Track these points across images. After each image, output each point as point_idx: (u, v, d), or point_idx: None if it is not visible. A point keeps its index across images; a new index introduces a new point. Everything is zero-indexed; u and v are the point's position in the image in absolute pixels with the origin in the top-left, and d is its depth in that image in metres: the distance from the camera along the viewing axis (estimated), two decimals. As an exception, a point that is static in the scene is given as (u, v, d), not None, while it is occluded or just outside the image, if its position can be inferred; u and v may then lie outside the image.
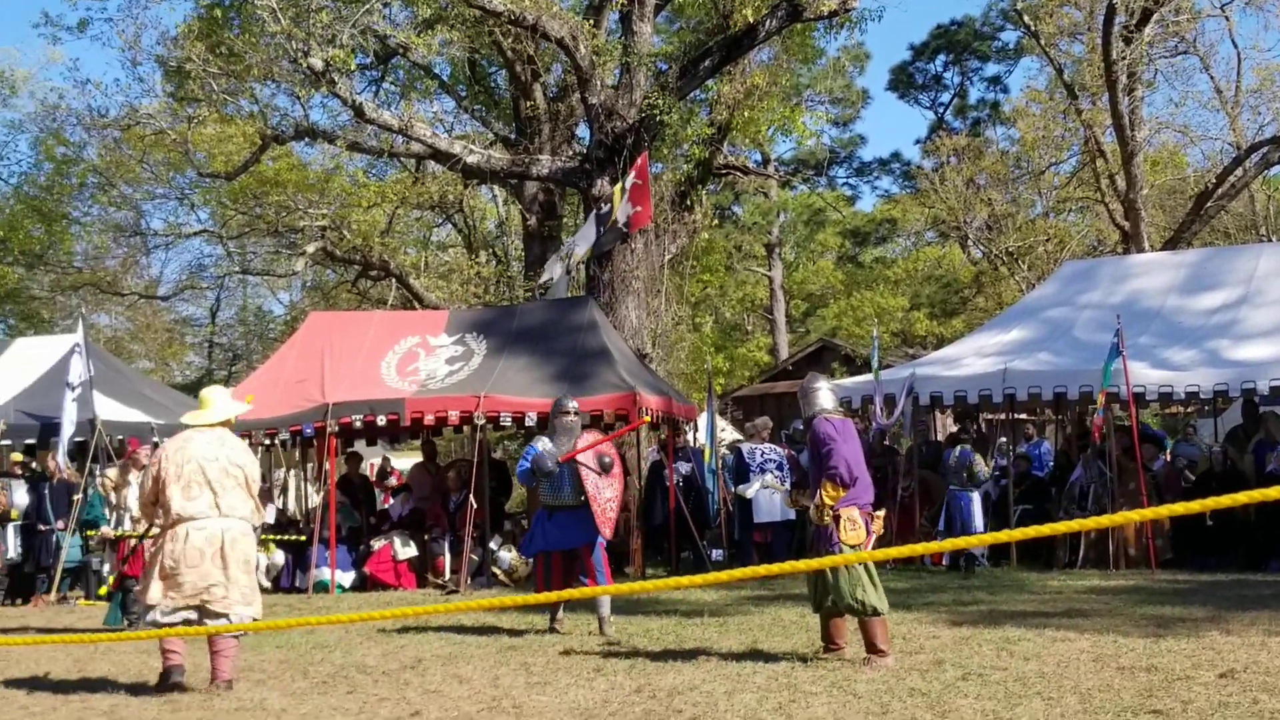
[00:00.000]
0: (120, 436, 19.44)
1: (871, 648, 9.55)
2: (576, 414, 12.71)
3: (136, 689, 9.70)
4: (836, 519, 9.59)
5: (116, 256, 42.12)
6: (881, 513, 9.99)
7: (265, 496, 19.01)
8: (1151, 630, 10.76)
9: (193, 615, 9.24)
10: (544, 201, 28.86)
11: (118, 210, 40.30)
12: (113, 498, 14.65)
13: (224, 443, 9.73)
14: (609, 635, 11.74)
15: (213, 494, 9.44)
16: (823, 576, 9.64)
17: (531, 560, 17.85)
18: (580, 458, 12.04)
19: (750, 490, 18.02)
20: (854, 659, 9.59)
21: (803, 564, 6.14)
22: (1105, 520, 5.21)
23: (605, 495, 12.12)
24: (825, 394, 10.17)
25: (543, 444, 12.24)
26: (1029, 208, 43.69)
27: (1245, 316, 18.49)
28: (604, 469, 12.13)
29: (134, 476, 13.77)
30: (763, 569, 5.67)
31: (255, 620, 9.41)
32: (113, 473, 14.62)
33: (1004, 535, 5.36)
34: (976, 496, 17.24)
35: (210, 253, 42.31)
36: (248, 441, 17.97)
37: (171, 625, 9.08)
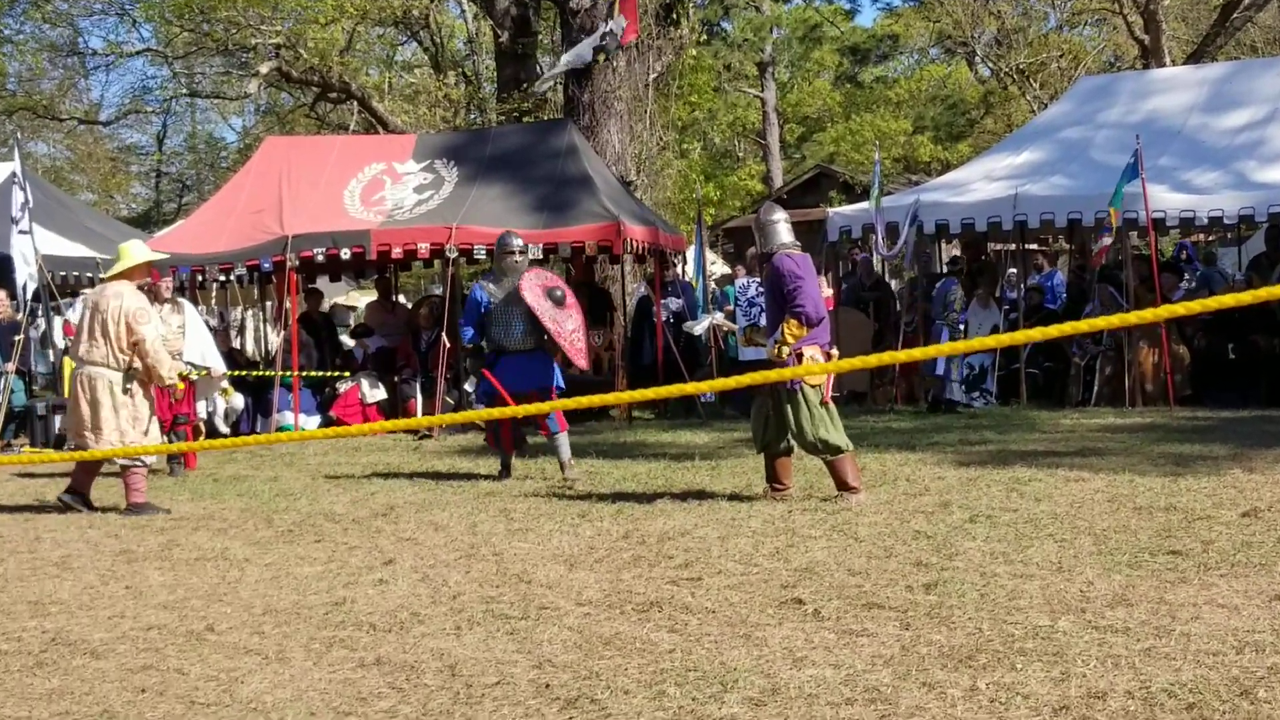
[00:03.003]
0: (62, 273, 19.33)
1: (843, 485, 9.82)
2: (523, 253, 12.59)
3: (92, 540, 9.76)
4: (798, 357, 9.74)
5: (53, 78, 41.56)
6: (835, 352, 10.23)
7: (221, 338, 18.95)
8: (1170, 469, 10.83)
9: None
10: (517, 16, 28.32)
11: (53, 28, 39.62)
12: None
13: (120, 296, 11.11)
14: (571, 478, 11.86)
15: (90, 343, 11.09)
16: (780, 417, 9.85)
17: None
18: (529, 297, 11.92)
19: (698, 328, 18.05)
20: (826, 500, 9.66)
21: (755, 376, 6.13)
22: (1102, 322, 5.20)
23: (569, 328, 12.10)
24: (784, 228, 10.27)
25: (487, 289, 12.22)
26: (1041, 21, 43.24)
27: (1273, 136, 18.32)
28: (557, 302, 12.06)
29: (156, 310, 13.87)
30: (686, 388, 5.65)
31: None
32: None
33: (1006, 338, 5.35)
34: (946, 333, 17.33)
35: (155, 74, 42.01)
36: (201, 279, 18.04)
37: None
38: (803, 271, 9.90)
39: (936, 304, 17.38)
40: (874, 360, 6.67)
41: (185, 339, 13.93)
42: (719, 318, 15.27)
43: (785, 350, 9.74)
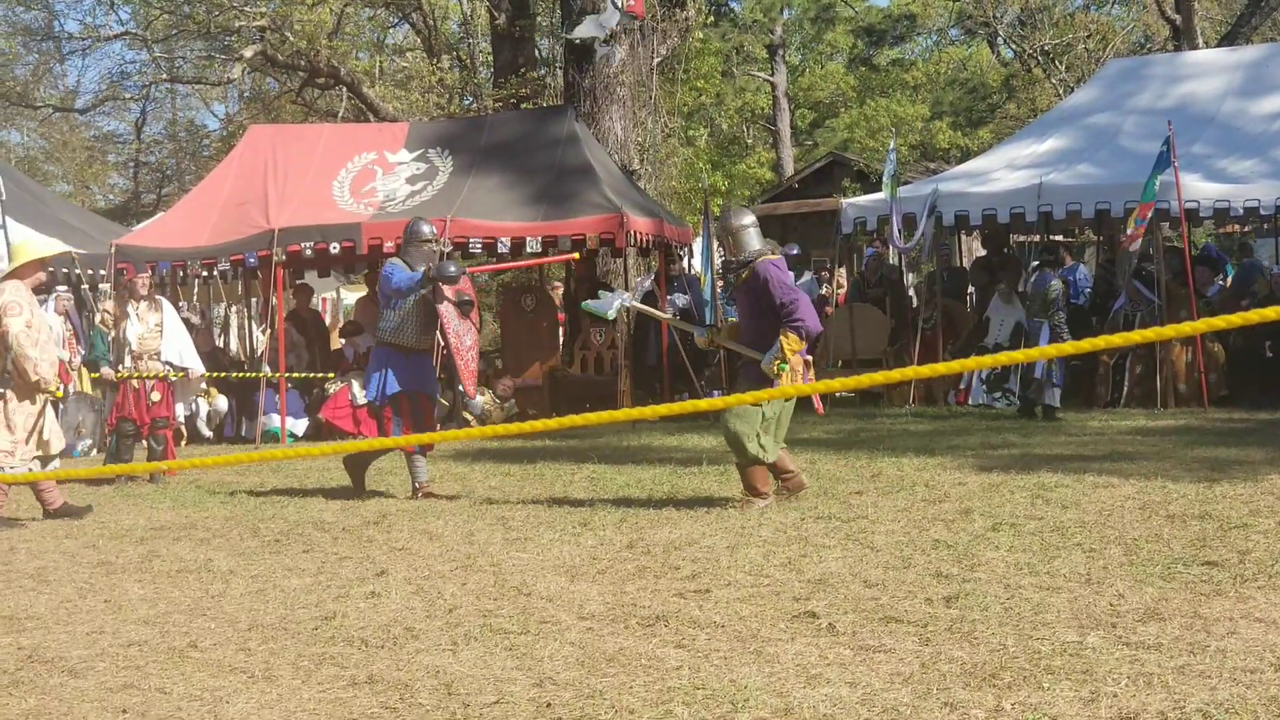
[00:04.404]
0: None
1: (751, 489, 10.23)
2: (436, 240, 12.53)
3: (69, 551, 9.77)
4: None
5: (27, 64, 41.44)
6: (810, 358, 10.45)
7: (204, 336, 18.97)
8: (1204, 474, 10.82)
9: None
10: (514, -4, 28.37)
11: (27, 10, 39.54)
12: (113, 333, 14.64)
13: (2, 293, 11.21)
14: (422, 493, 11.66)
15: None
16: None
17: (498, 403, 17.93)
18: (441, 306, 11.69)
19: (610, 311, 17.97)
20: (854, 505, 9.66)
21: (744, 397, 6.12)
22: (1136, 336, 5.20)
23: (466, 343, 11.90)
24: (756, 232, 10.43)
25: (403, 270, 11.84)
26: (1067, 0, 43.19)
27: (1312, 122, 18.36)
28: (464, 311, 11.91)
29: (133, 307, 13.94)
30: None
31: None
32: (110, 305, 14.64)
33: (1035, 353, 5.34)
34: (1046, 330, 16.81)
35: (133, 58, 41.75)
36: (182, 274, 18.05)
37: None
38: (790, 280, 10.17)
39: (1034, 301, 16.84)
40: (957, 366, 6.58)
41: (163, 338, 13.96)
42: (626, 299, 14.50)
43: (785, 368, 9.87)
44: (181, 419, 15.05)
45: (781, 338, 9.88)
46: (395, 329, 11.84)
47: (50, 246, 12.59)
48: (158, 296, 14.49)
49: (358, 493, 11.98)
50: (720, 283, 19.04)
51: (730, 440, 10.15)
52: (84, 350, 18.07)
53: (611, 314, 12.68)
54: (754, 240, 10.34)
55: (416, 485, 11.77)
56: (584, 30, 21.17)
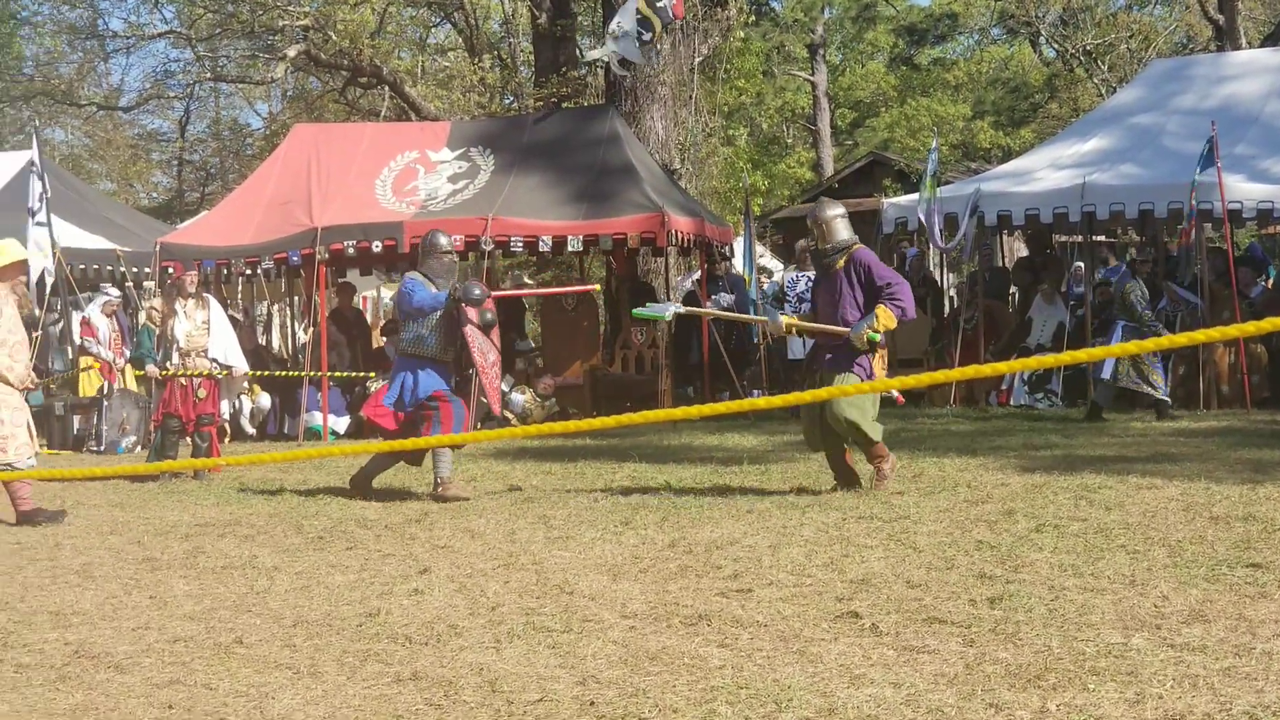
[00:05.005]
0: (81, 265, 19.46)
1: (878, 465, 10.59)
2: (454, 251, 12.47)
3: (114, 547, 9.83)
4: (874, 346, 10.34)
5: (72, 62, 41.75)
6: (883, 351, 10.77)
7: (247, 334, 19.06)
8: (1248, 476, 10.76)
9: None
10: (556, -4, 28.43)
11: (71, 8, 39.86)
12: (158, 330, 14.71)
13: None
14: (451, 495, 11.40)
15: None
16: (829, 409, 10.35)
17: (539, 401, 17.93)
18: (468, 330, 11.62)
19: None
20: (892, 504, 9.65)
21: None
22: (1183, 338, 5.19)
23: (490, 359, 11.80)
24: (845, 223, 10.72)
25: (428, 286, 11.70)
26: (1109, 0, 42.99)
27: (1357, 122, 18.25)
28: (487, 327, 11.84)
29: (180, 305, 14.00)
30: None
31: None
32: (158, 303, 14.71)
33: (1083, 354, 5.32)
34: (1120, 331, 16.35)
35: (177, 57, 42.01)
36: (225, 272, 18.14)
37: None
38: None
39: (1118, 306, 16.56)
40: (1019, 365, 6.55)
41: (210, 335, 14.02)
42: (678, 308, 14.18)
43: (877, 338, 10.21)
44: (226, 416, 15.10)
45: (878, 309, 10.20)
46: (416, 340, 11.74)
47: (24, 250, 12.31)
48: (205, 294, 14.56)
49: (363, 493, 11.80)
50: (775, 279, 18.94)
51: (847, 431, 10.37)
52: (129, 351, 18.21)
53: (669, 316, 12.73)
54: (843, 230, 10.62)
55: (438, 481, 11.56)
56: (599, 53, 21.15)
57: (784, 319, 11.18)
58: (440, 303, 11.49)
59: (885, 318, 10.20)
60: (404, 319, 11.94)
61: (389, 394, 11.95)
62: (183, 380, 13.91)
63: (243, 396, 17.27)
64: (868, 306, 10.34)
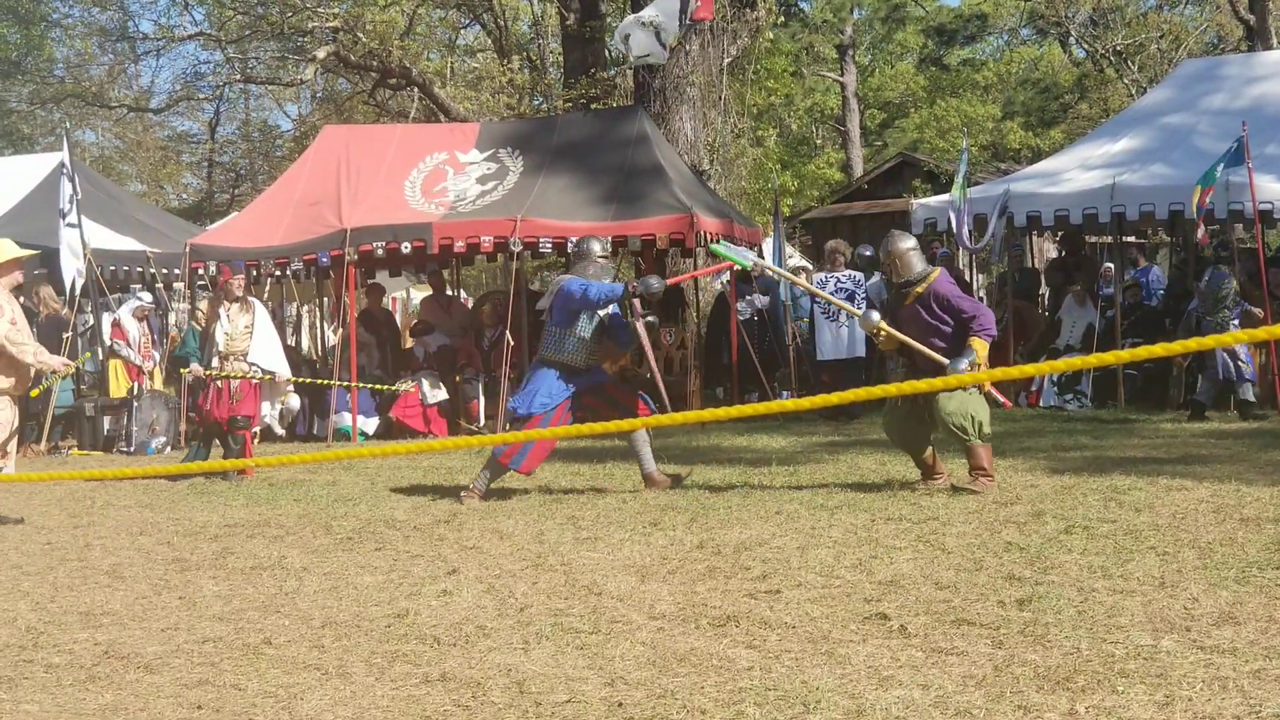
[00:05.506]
0: (111, 267, 19.55)
1: (977, 467, 10.68)
2: (607, 256, 12.46)
3: (143, 548, 9.87)
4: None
5: (102, 64, 41.90)
6: None
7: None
8: (1278, 477, 10.71)
9: None
10: (585, -2, 28.45)
11: (102, 11, 40.03)
12: (202, 331, 14.80)
13: None
14: (468, 495, 11.42)
15: None
16: (929, 410, 10.61)
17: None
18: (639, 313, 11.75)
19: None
20: (934, 511, 9.62)
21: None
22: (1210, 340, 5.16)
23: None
24: (918, 255, 11.01)
25: (595, 284, 11.53)
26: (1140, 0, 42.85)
27: (1389, 122, 18.14)
28: (653, 332, 11.85)
29: (224, 309, 14.10)
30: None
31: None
32: (204, 305, 14.79)
33: (1109, 357, 5.31)
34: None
35: (207, 59, 42.24)
36: (255, 273, 18.20)
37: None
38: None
39: (1207, 299, 16.20)
40: (1093, 360, 6.51)
41: (252, 340, 14.09)
42: (759, 259, 14.17)
43: (977, 370, 10.38)
44: (265, 421, 15.17)
45: (973, 342, 10.53)
46: (557, 345, 11.57)
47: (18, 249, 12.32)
48: (250, 299, 14.62)
49: (660, 485, 11.57)
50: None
51: (961, 425, 10.52)
52: (158, 354, 18.29)
53: (748, 264, 12.78)
54: (918, 262, 10.91)
55: (474, 486, 11.50)
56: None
57: (876, 317, 11.11)
58: (617, 295, 11.50)
59: (981, 350, 10.52)
60: (554, 321, 11.68)
61: (519, 396, 11.79)
62: (219, 382, 13.97)
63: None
64: (953, 335, 10.65)
